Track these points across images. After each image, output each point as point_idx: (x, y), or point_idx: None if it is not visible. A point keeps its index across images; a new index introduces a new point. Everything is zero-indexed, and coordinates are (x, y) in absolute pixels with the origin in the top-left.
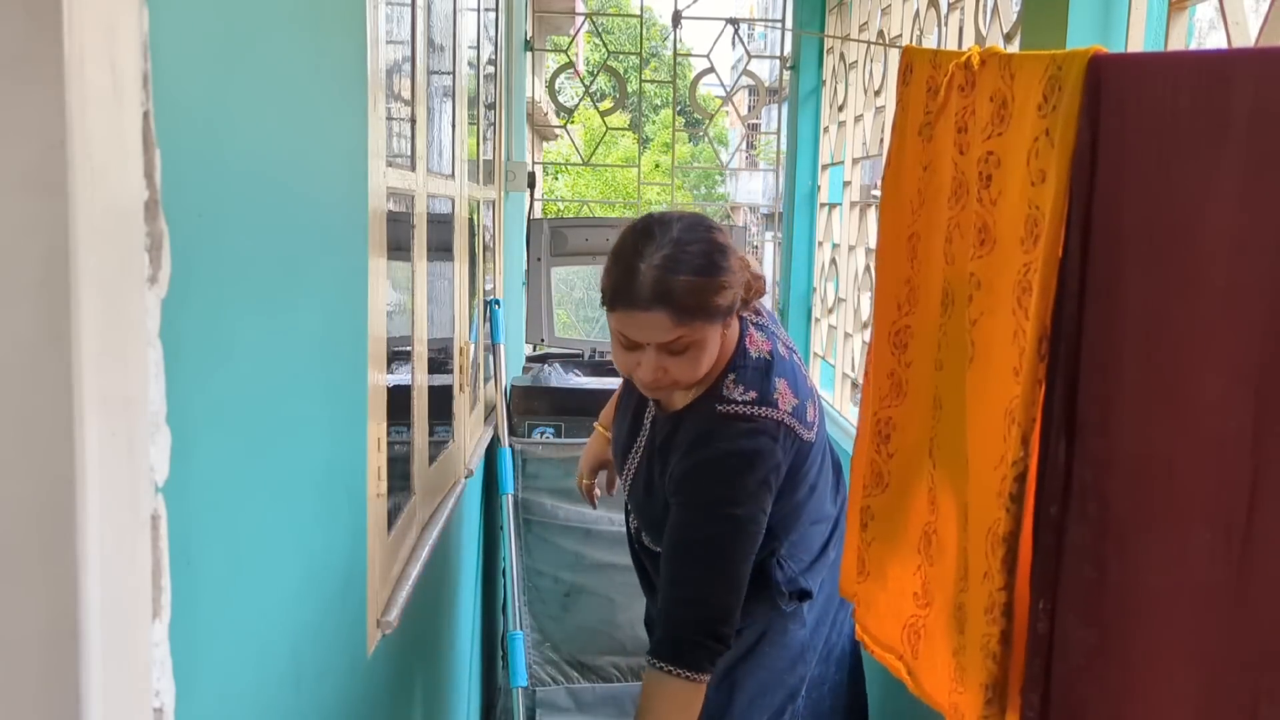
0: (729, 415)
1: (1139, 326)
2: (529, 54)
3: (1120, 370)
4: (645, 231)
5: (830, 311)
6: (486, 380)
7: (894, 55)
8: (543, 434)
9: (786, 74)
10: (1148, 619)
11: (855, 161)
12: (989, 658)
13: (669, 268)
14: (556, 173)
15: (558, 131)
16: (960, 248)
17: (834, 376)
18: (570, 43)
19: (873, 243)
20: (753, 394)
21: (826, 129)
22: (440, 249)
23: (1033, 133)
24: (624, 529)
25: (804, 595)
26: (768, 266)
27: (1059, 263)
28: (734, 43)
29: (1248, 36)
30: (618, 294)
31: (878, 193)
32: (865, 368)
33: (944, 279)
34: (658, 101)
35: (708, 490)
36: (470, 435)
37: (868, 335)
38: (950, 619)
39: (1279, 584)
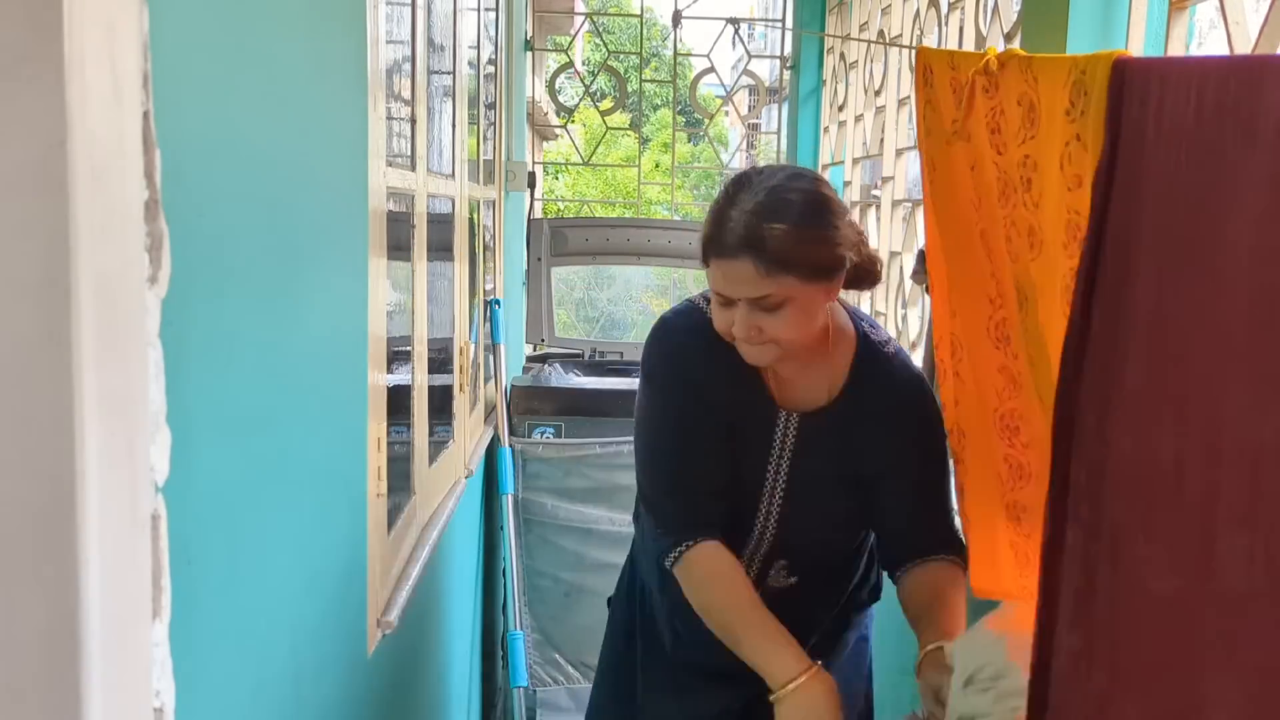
0: (898, 353)
1: (1145, 333)
2: (529, 54)
3: (1122, 375)
4: (742, 179)
5: None
6: (486, 380)
7: (894, 55)
8: (543, 434)
9: (786, 74)
10: (1143, 626)
11: (855, 161)
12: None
13: (760, 214)
14: (557, 172)
15: (558, 131)
16: (1019, 247)
17: None
18: (570, 43)
19: (873, 243)
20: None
21: (826, 129)
22: (440, 249)
23: (1063, 137)
24: (624, 529)
25: (877, 593)
26: None
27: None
28: (734, 42)
29: (1248, 36)
30: (708, 243)
31: (878, 193)
32: (946, 363)
33: (1014, 276)
34: (658, 101)
35: (937, 415)
36: (470, 435)
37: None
38: None
39: None
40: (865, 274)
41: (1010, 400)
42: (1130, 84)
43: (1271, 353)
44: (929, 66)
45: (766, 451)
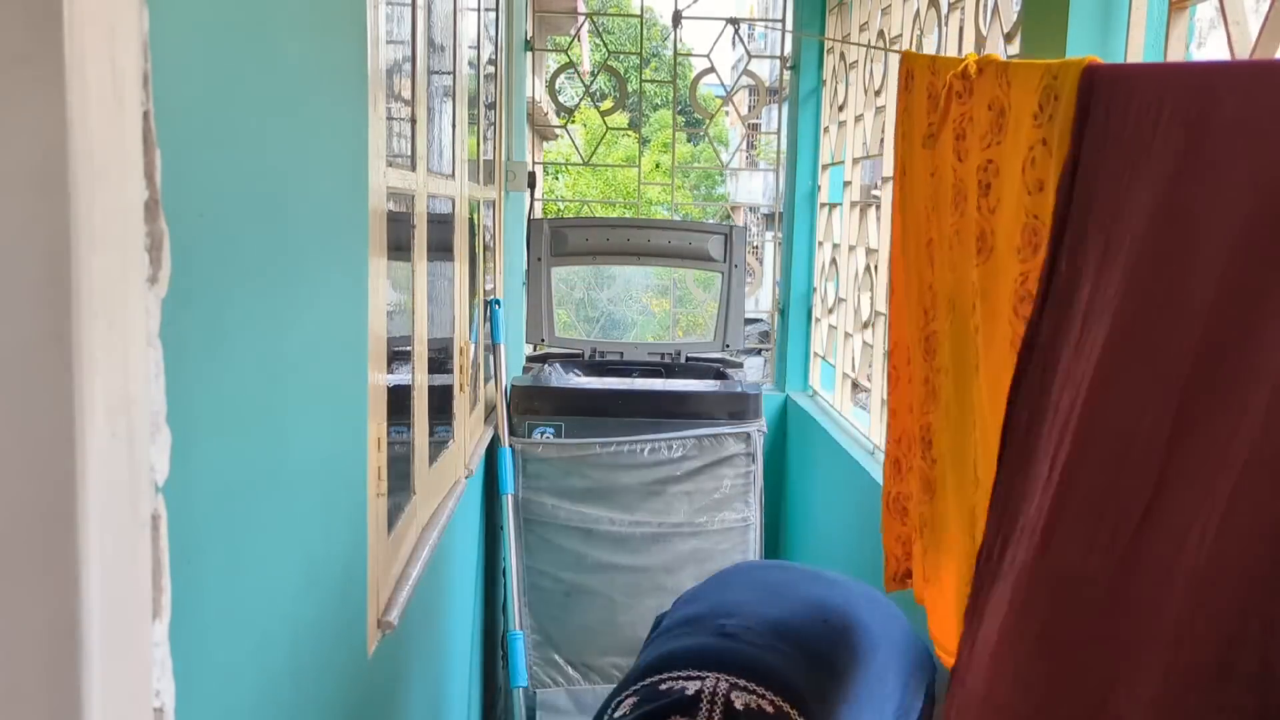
0: None
1: (1079, 326)
2: (529, 54)
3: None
4: None
5: (830, 311)
6: (486, 380)
7: (894, 55)
8: (543, 434)
9: (787, 74)
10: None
11: (855, 161)
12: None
13: None
14: (557, 173)
15: (558, 131)
16: (960, 255)
17: (834, 376)
18: (570, 42)
19: (873, 243)
20: None
21: (826, 129)
22: (440, 249)
23: (1029, 142)
24: (624, 529)
25: None
26: (768, 266)
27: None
28: (734, 43)
29: (1248, 36)
30: None
31: (878, 193)
32: (900, 369)
33: (949, 286)
34: (658, 101)
35: None
36: (470, 435)
37: (868, 335)
38: None
39: (1167, 571)
40: None
41: (929, 413)
42: (1098, 91)
43: (1175, 346)
44: (910, 71)
45: None
